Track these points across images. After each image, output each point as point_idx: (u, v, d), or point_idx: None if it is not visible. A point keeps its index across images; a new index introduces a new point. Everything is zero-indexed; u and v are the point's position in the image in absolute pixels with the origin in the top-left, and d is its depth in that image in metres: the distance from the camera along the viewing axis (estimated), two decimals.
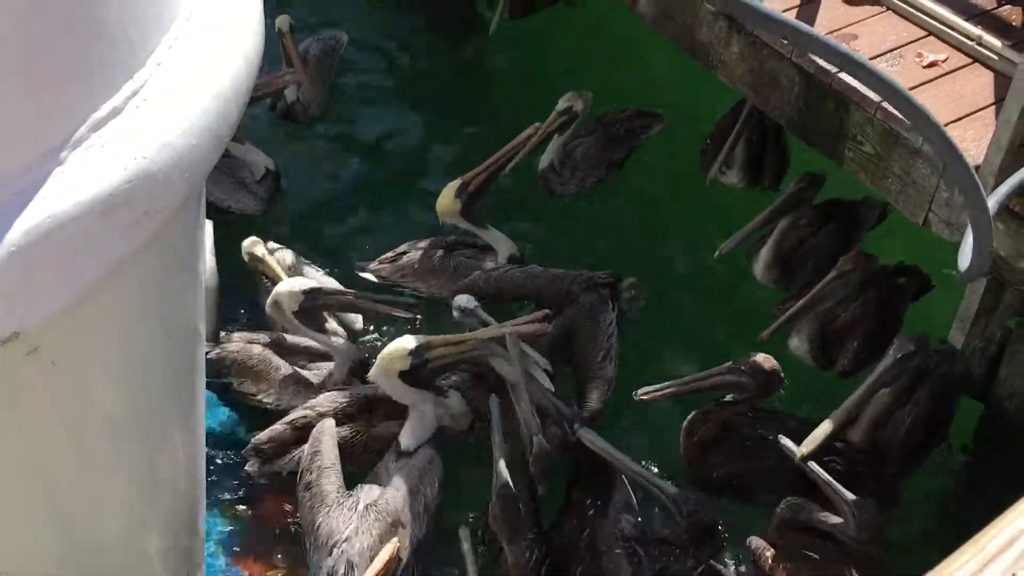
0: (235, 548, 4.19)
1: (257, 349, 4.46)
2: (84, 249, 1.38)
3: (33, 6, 1.34)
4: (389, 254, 5.08)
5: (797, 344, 4.58)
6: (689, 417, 4.19)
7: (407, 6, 7.03)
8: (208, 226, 4.24)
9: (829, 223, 4.91)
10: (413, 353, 3.99)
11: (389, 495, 3.95)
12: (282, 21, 5.81)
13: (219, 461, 4.38)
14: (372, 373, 4.10)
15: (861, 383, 4.06)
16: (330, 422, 4.16)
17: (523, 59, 6.56)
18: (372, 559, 3.76)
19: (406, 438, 4.10)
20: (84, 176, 1.39)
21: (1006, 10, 4.29)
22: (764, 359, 4.06)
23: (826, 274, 4.47)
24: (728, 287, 5.07)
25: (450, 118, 6.19)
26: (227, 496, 4.32)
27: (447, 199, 4.87)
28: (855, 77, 3.51)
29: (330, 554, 3.83)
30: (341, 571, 3.78)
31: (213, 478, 4.27)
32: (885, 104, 3.80)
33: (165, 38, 1.51)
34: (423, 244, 5.06)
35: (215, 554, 4.11)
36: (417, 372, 4.02)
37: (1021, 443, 4.17)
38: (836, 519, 3.69)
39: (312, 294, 4.28)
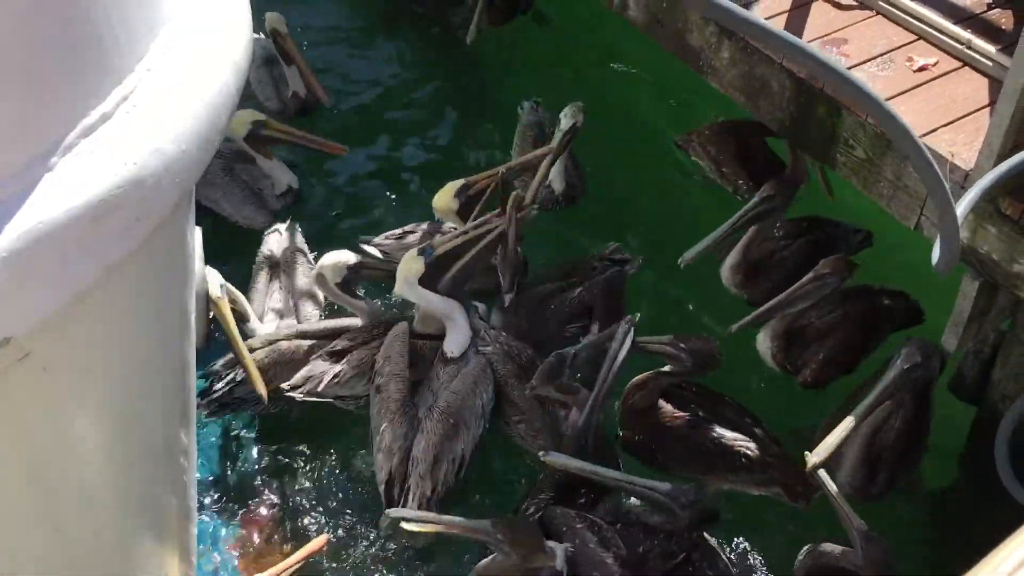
0: (227, 542, 4.24)
1: (284, 345, 4.58)
2: (75, 254, 1.38)
3: (21, 14, 1.34)
4: (396, 231, 5.18)
5: (762, 341, 4.56)
6: (629, 382, 4.27)
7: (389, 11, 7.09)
8: (197, 232, 4.26)
9: (803, 238, 4.85)
10: (421, 251, 4.38)
11: (448, 398, 4.29)
12: (276, 20, 5.66)
13: (210, 459, 4.46)
14: (396, 287, 4.42)
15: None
16: (403, 326, 4.50)
17: (506, 63, 6.63)
18: (436, 457, 4.13)
19: (449, 345, 4.40)
20: (75, 182, 1.39)
21: (995, 13, 4.31)
22: (705, 341, 4.15)
23: (789, 287, 4.47)
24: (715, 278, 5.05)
25: (438, 120, 6.24)
26: (220, 493, 4.39)
27: (447, 197, 4.94)
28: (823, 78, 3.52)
29: (394, 456, 4.16)
30: (402, 471, 4.17)
31: (206, 477, 4.37)
32: None
33: (154, 44, 1.51)
34: (425, 226, 5.15)
35: (206, 552, 4.16)
36: (432, 274, 4.35)
37: (1016, 447, 4.17)
38: (848, 550, 3.69)
39: (355, 267, 4.62)
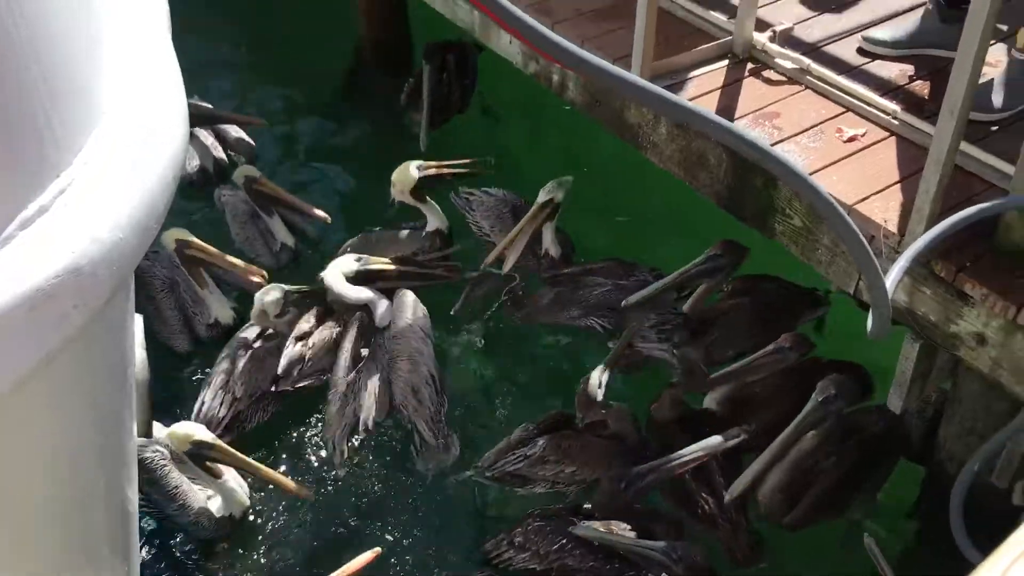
0: None
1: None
2: (12, 343, 1.39)
3: None
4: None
5: (709, 402, 4.79)
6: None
7: (336, 115, 7.26)
8: (138, 320, 4.26)
9: (749, 297, 5.04)
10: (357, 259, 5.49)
11: (391, 343, 4.97)
12: (247, 170, 5.86)
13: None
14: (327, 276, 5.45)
15: None
16: (361, 314, 5.22)
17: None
18: (414, 389, 4.75)
19: (379, 318, 5.24)
20: (12, 273, 1.41)
21: (918, 85, 4.50)
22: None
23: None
24: None
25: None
26: None
27: (408, 171, 5.63)
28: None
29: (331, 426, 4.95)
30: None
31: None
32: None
33: (91, 136, 1.54)
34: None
35: None
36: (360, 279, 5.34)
37: (972, 507, 4.22)
38: None
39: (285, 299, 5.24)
